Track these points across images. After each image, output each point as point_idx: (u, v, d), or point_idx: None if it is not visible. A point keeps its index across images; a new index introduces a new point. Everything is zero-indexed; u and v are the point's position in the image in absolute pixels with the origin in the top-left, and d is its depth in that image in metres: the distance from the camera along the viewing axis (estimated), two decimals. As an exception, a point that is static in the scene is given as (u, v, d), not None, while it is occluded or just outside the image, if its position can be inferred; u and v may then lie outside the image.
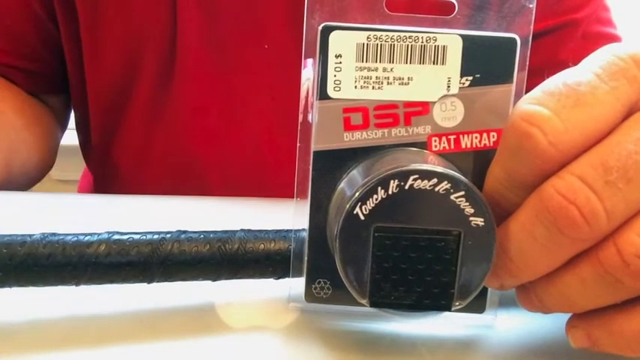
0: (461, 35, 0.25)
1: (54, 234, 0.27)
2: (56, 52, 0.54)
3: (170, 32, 0.50)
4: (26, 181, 0.53)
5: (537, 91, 0.22)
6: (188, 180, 0.55)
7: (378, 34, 0.25)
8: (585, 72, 0.22)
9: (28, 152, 0.52)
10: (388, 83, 0.25)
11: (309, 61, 0.26)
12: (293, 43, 0.49)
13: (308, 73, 0.26)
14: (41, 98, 0.57)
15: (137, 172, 0.56)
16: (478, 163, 0.25)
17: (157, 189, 0.55)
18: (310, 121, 0.26)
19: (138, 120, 0.54)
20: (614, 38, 0.56)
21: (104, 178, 0.59)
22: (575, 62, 0.23)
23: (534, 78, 0.25)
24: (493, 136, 0.25)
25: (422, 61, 0.25)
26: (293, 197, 0.27)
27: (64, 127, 0.62)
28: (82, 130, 0.59)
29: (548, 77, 0.23)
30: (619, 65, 0.22)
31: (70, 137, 0.61)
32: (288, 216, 0.28)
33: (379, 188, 0.23)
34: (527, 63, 0.25)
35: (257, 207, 0.41)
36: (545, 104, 0.22)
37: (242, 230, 0.28)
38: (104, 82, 0.53)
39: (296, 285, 0.28)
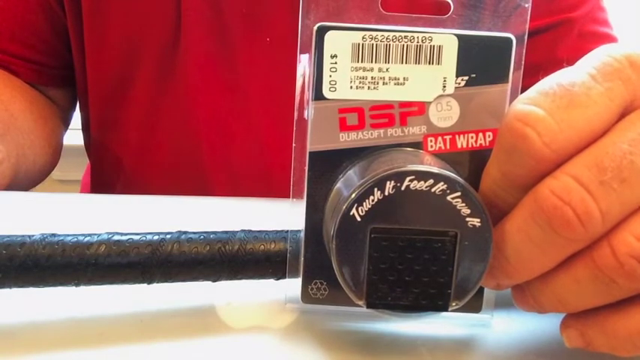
0: (456, 35, 0.25)
1: (53, 235, 0.27)
2: (67, 41, 0.55)
3: (174, 22, 0.50)
4: (29, 183, 0.53)
5: (532, 92, 0.22)
6: (191, 176, 0.55)
7: (374, 34, 0.25)
8: (580, 72, 0.22)
9: (34, 156, 0.52)
10: (384, 83, 0.25)
11: (304, 56, 0.25)
12: (295, 38, 0.49)
13: (303, 68, 0.26)
14: (44, 91, 0.58)
15: (138, 168, 0.56)
16: (474, 163, 0.25)
17: (160, 186, 0.55)
18: (306, 117, 0.26)
19: (139, 113, 0.54)
20: (609, 38, 0.56)
21: (105, 174, 0.59)
22: (571, 61, 0.23)
23: (531, 76, 0.25)
24: (489, 136, 0.25)
25: (417, 61, 0.25)
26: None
27: (67, 124, 0.62)
28: (84, 123, 0.59)
29: (543, 77, 0.23)
30: (613, 66, 0.22)
31: (71, 137, 0.61)
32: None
33: (375, 189, 0.23)
34: (523, 62, 0.25)
35: (258, 207, 0.41)
36: (540, 104, 0.22)
37: (242, 231, 0.28)
38: (104, 72, 0.53)
39: (293, 286, 0.28)
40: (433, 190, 0.23)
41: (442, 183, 0.23)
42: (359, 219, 0.23)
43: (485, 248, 0.23)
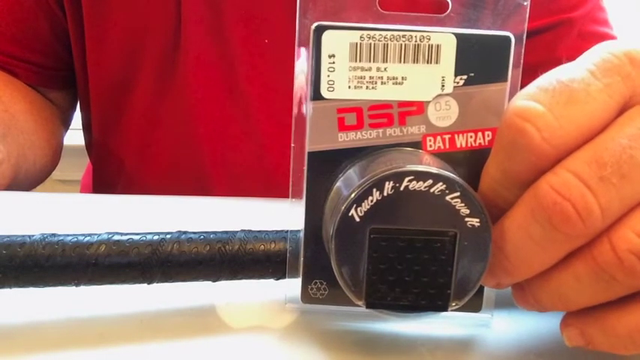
0: (455, 34, 0.25)
1: (53, 235, 0.27)
2: (67, 43, 0.55)
3: (174, 24, 0.50)
4: (29, 184, 0.53)
5: (531, 88, 0.22)
6: (191, 176, 0.55)
7: (372, 33, 0.25)
8: (579, 69, 0.22)
9: (35, 157, 0.52)
10: (382, 83, 0.25)
11: (303, 50, 0.25)
12: (293, 40, 0.49)
13: (301, 64, 0.26)
14: (45, 93, 0.58)
15: (139, 168, 0.56)
16: (473, 162, 0.25)
17: (160, 186, 0.55)
18: (304, 113, 0.26)
19: (139, 113, 0.54)
20: (609, 38, 0.56)
21: (106, 174, 0.59)
22: (570, 61, 0.23)
23: (530, 76, 0.25)
24: (488, 135, 0.25)
25: (416, 61, 0.25)
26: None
27: (67, 125, 0.62)
28: (85, 123, 0.59)
29: (542, 75, 0.23)
30: (613, 62, 0.22)
31: (71, 137, 0.61)
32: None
33: (374, 190, 0.23)
34: (522, 61, 0.25)
35: (258, 207, 0.41)
36: (539, 100, 0.21)
37: (242, 231, 0.28)
38: (105, 74, 0.54)
39: (293, 286, 0.28)
40: (432, 190, 0.23)
41: (441, 183, 0.23)
42: (358, 219, 0.23)
43: (485, 248, 0.23)
